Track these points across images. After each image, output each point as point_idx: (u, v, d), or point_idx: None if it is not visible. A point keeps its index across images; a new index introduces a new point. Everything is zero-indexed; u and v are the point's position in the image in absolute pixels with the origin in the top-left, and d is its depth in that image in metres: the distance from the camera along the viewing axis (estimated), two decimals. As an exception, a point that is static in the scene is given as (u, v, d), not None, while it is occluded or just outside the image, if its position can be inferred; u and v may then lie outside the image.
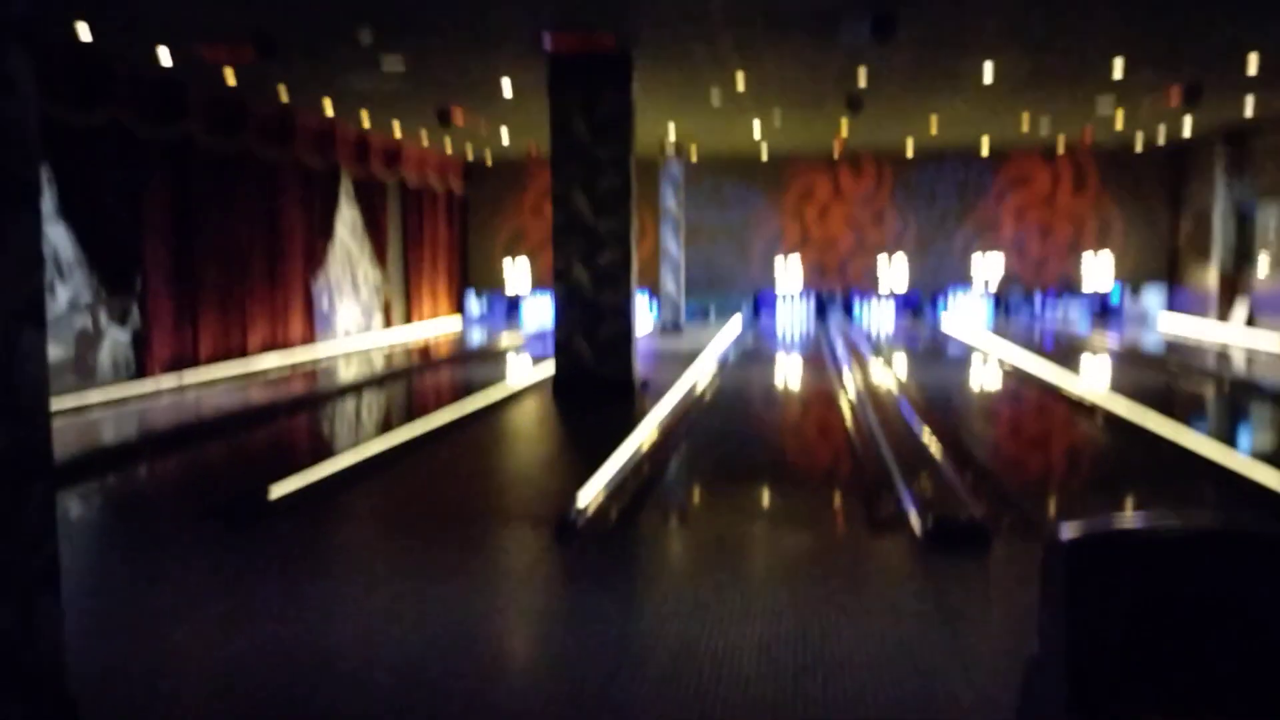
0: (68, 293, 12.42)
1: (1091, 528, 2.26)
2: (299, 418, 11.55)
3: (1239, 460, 7.82)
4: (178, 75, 12.64)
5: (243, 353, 15.26)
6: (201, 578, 5.63)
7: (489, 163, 23.54)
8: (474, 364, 16.47)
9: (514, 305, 25.54)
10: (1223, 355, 16.42)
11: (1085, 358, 16.17)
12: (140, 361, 13.32)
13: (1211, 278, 20.53)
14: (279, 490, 7.11)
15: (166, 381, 13.13)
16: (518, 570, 5.81)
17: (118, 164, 12.78)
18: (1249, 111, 17.13)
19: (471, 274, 24.60)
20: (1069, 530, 2.25)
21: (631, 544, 6.34)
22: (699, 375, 13.49)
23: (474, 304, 25.13)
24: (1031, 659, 2.46)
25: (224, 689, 4.17)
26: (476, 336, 21.45)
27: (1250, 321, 19.14)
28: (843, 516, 7.16)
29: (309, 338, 17.32)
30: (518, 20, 10.25)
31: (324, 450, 9.46)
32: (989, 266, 23.65)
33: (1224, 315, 19.96)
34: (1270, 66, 12.83)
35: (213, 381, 13.68)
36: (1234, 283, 20.03)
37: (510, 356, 17.67)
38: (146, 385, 12.81)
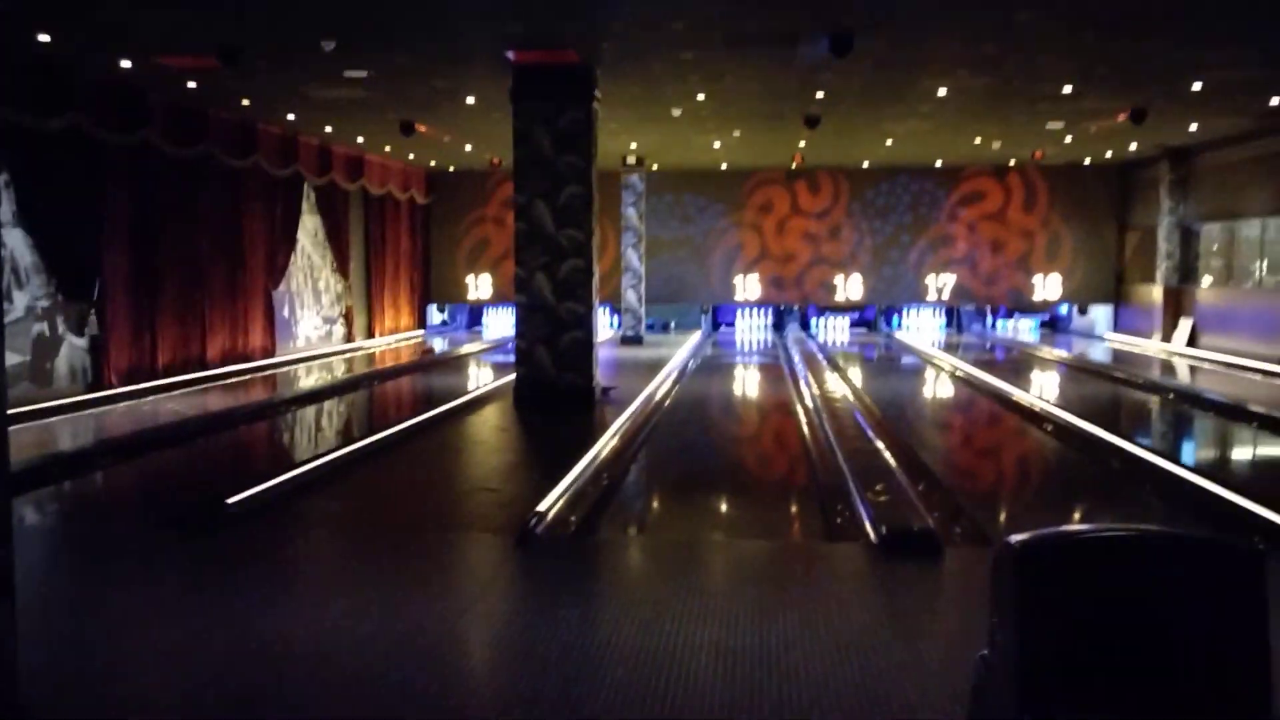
0: (25, 299, 12.30)
1: (1040, 533, 2.38)
2: (258, 426, 11.53)
3: (1179, 468, 8.09)
4: (139, 82, 12.59)
5: (202, 361, 15.17)
6: (156, 586, 5.64)
7: (452, 173, 23.56)
8: (435, 373, 16.48)
9: (476, 314, 25.55)
10: (1166, 369, 16.83)
11: (1034, 371, 16.52)
12: (98, 369, 13.21)
13: (1156, 295, 21.03)
14: (236, 498, 7.12)
15: (124, 389, 13.03)
16: (478, 577, 5.89)
17: (77, 170, 12.68)
18: (1192, 133, 17.62)
19: (434, 283, 24.58)
20: (1018, 536, 2.37)
21: (591, 551, 6.44)
22: (659, 385, 13.62)
23: (436, 313, 25.11)
24: (981, 661, 2.56)
25: (179, 698, 4.21)
26: (438, 345, 21.43)
27: (1193, 339, 19.62)
28: (799, 525, 7.31)
29: (269, 346, 17.24)
30: (482, 33, 10.35)
31: (282, 459, 9.47)
32: (942, 281, 24.03)
33: (1168, 333, 20.45)
34: (1212, 90, 13.24)
35: (171, 389, 13.59)
36: (1178, 301, 20.53)
37: (472, 365, 17.70)
38: (104, 393, 12.71)
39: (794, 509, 7.74)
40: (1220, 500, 7.09)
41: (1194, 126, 16.82)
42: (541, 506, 6.81)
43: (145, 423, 11.01)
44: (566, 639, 4.70)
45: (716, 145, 18.89)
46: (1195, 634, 2.14)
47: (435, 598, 5.36)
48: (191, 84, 12.72)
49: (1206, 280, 20.34)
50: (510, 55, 11.15)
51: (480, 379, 15.38)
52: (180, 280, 14.71)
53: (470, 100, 13.77)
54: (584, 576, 5.87)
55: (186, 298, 14.89)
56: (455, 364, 18.06)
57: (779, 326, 24.63)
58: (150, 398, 12.99)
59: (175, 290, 14.60)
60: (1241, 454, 10.39)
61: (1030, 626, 2.29)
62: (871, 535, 6.28)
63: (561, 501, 7.14)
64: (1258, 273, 19.14)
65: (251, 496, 7.26)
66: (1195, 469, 8.21)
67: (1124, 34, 10.27)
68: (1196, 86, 12.99)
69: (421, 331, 23.76)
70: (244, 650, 4.61)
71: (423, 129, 15.94)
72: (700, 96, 13.57)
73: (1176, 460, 8.68)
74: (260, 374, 15.79)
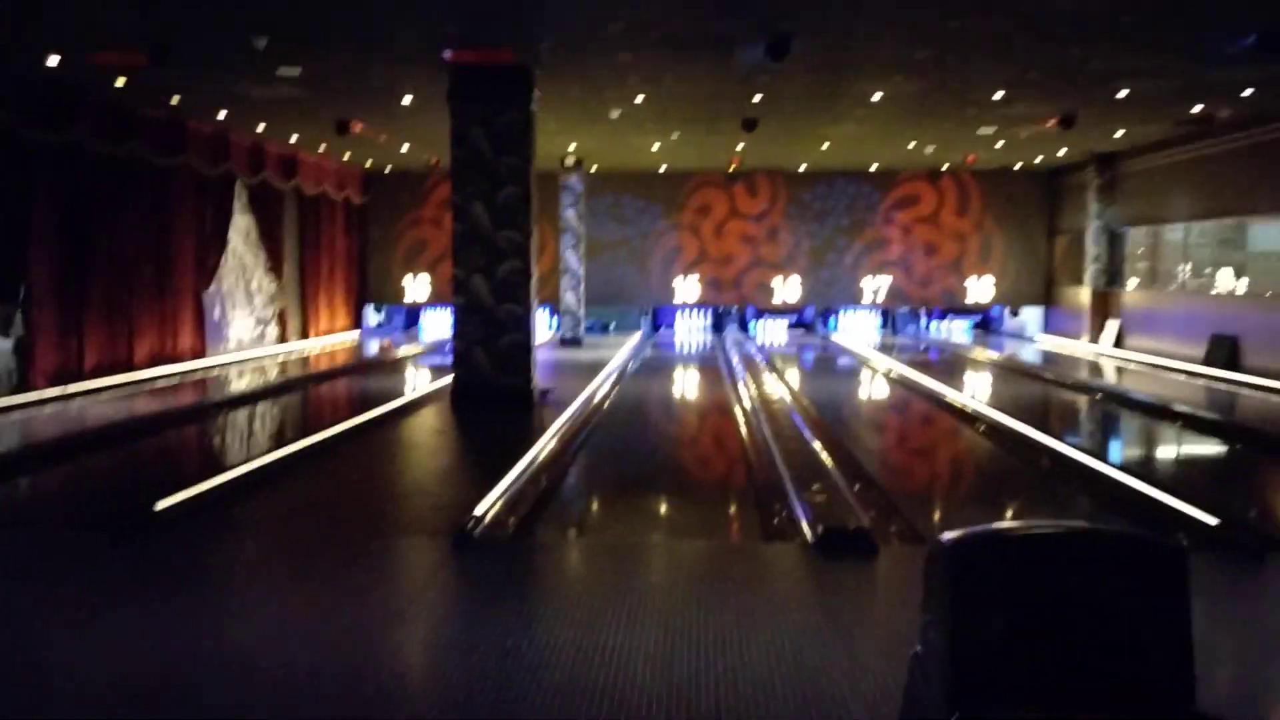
0: (-58, 300, 11.93)
1: (970, 531, 2.41)
2: (188, 429, 11.30)
3: (1106, 466, 8.28)
4: (67, 79, 12.27)
5: (130, 363, 14.83)
6: (83, 593, 5.50)
7: (389, 173, 23.32)
8: (372, 375, 16.29)
9: (413, 316, 25.31)
10: (1092, 370, 17.24)
11: (966, 372, 16.81)
12: (23, 371, 12.84)
13: (1084, 298, 21.52)
14: (165, 503, 6.98)
15: (50, 392, 12.69)
16: (414, 581, 5.84)
17: (2, 169, 12.33)
18: (1118, 139, 18.08)
19: (370, 285, 24.30)
20: (949, 534, 2.40)
21: (529, 554, 6.41)
22: (598, 387, 13.62)
23: (372, 315, 24.82)
24: (915, 658, 2.59)
25: (106, 706, 4.11)
26: (375, 347, 21.19)
27: (1120, 340, 20.12)
28: (737, 525, 7.35)
29: (200, 348, 16.90)
30: (418, 33, 10.26)
31: (214, 462, 9.29)
32: (877, 283, 24.34)
33: (1096, 334, 20.94)
34: (1136, 97, 13.59)
35: (99, 392, 13.27)
36: (1105, 303, 21.03)
37: (409, 367, 17.53)
38: (29, 396, 12.36)
39: (732, 509, 7.78)
40: (1142, 496, 7.28)
41: (1120, 133, 17.25)
42: (479, 509, 6.77)
43: (72, 426, 10.73)
44: (504, 642, 4.67)
45: (655, 147, 18.94)
46: (1121, 627, 2.19)
47: (369, 602, 5.30)
48: (120, 82, 12.43)
49: (1132, 283, 20.87)
50: (447, 55, 11.07)
51: (417, 381, 15.24)
52: (108, 281, 14.37)
53: (407, 100, 13.65)
54: (522, 579, 5.84)
55: (114, 299, 14.55)
56: (392, 366, 17.87)
57: (718, 328, 24.76)
58: (78, 400, 12.66)
59: (103, 291, 14.26)
60: (1162, 452, 10.67)
61: (961, 623, 2.33)
62: (808, 535, 6.34)
63: (499, 504, 7.10)
64: (1180, 276, 19.69)
65: (182, 501, 7.12)
66: (1118, 466, 8.42)
67: (1053, 41, 10.50)
68: (1122, 94, 13.32)
69: (357, 333, 23.47)
70: (169, 656, 4.51)
71: (358, 128, 15.76)
72: (639, 99, 13.60)
73: (1101, 458, 8.89)
74: (190, 376, 15.48)
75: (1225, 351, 16.23)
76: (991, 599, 2.32)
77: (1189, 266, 19.57)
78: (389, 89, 12.99)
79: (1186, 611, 2.12)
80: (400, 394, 13.24)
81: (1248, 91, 13.08)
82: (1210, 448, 10.52)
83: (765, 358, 18.08)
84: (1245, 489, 8.67)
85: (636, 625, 4.88)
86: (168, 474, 8.61)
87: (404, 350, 20.14)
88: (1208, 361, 16.27)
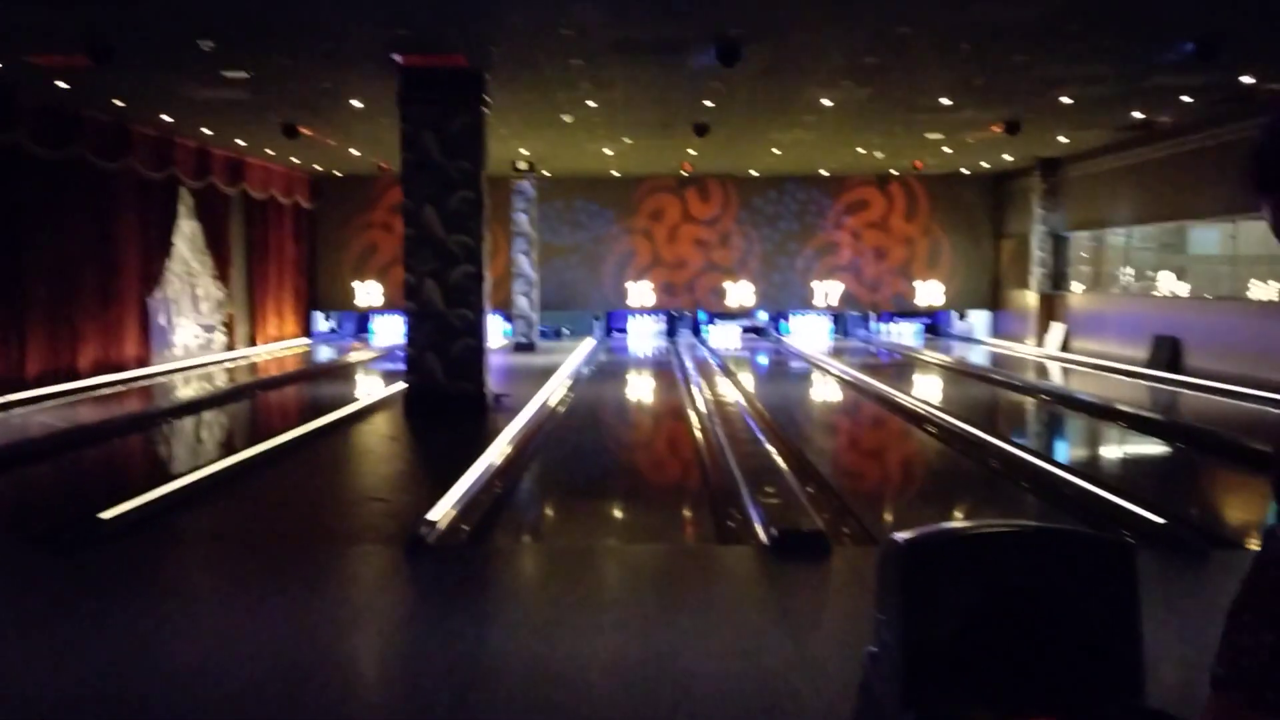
0: (-125, 307, 11.61)
1: (923, 531, 2.43)
2: (134, 438, 11.09)
3: (1052, 466, 8.41)
4: (5, 81, 12.00)
5: (73, 371, 14.53)
6: (26, 606, 5.37)
7: (338, 177, 23.10)
8: (322, 382, 16.11)
9: (364, 322, 25.07)
10: (1039, 372, 17.51)
11: (916, 374, 17.00)
12: (-43, 380, 12.54)
13: (1030, 301, 21.87)
14: (110, 513, 6.84)
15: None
16: (367, 589, 5.78)
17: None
18: (1062, 145, 18.40)
19: (320, 290, 24.03)
20: (903, 534, 2.41)
21: (484, 560, 6.37)
22: (552, 392, 13.58)
23: (323, 321, 24.56)
24: (869, 657, 2.61)
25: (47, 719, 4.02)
26: (325, 354, 20.96)
27: (1066, 343, 20.46)
28: (692, 528, 7.37)
29: (144, 356, 16.61)
30: (367, 36, 10.18)
31: (161, 471, 9.13)
32: (829, 287, 24.55)
33: (1042, 337, 21.28)
34: (1079, 103, 13.84)
35: (41, 400, 12.98)
36: (1050, 306, 21.39)
37: (360, 374, 17.36)
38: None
39: (687, 513, 7.79)
40: (1088, 495, 7.40)
41: (1063, 138, 17.55)
42: (432, 516, 6.71)
43: (14, 435, 10.49)
44: (459, 650, 4.63)
45: (608, 152, 18.95)
46: (1072, 625, 2.22)
47: (321, 611, 5.23)
48: (62, 84, 12.19)
49: (1077, 286, 21.23)
50: (397, 58, 11.00)
51: (369, 387, 15.10)
52: (50, 287, 14.07)
53: (356, 103, 13.53)
54: (476, 586, 5.80)
55: (57, 306, 14.25)
56: (342, 372, 17.69)
57: (671, 332, 24.83)
58: (20, 409, 12.38)
59: (45, 298, 13.96)
60: (1106, 451, 10.86)
61: (915, 622, 2.34)
62: (762, 537, 6.37)
63: (453, 510, 7.05)
64: (1123, 279, 20.07)
65: (128, 511, 6.98)
66: (1064, 466, 8.56)
67: (997, 47, 10.66)
68: (1065, 100, 13.56)
69: (307, 340, 23.21)
70: (114, 669, 4.42)
71: (307, 132, 15.59)
72: (591, 103, 13.60)
73: (1047, 458, 9.03)
74: (135, 384, 15.20)
75: (1167, 353, 16.57)
76: (945, 598, 2.34)
77: (1131, 270, 19.96)
78: (338, 92, 12.87)
79: (1136, 609, 2.16)
80: (351, 400, 13.11)
81: (1186, 98, 13.38)
82: (1153, 447, 10.73)
83: (718, 361, 18.15)
84: (1187, 488, 8.85)
85: (592, 631, 4.87)
86: (114, 483, 8.45)
87: (355, 356, 19.95)
88: (1151, 363, 16.59)
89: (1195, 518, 7.01)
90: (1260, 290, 17.33)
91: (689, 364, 17.34)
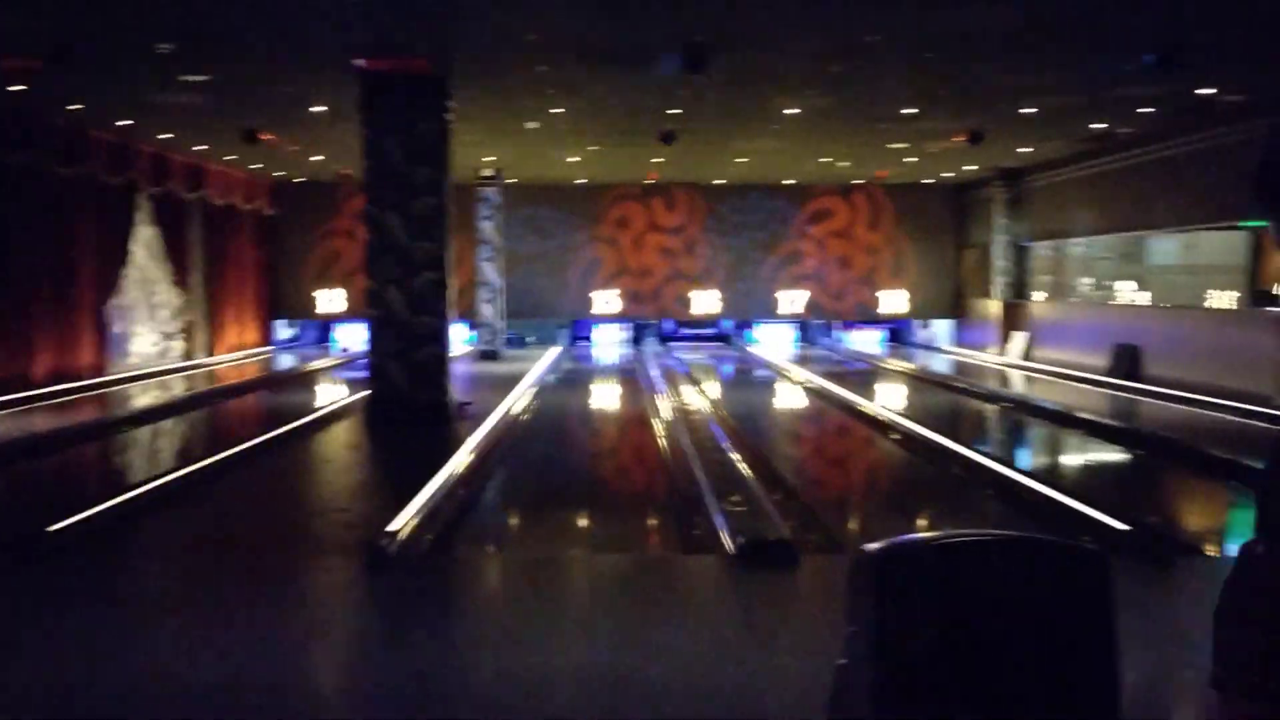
0: None
1: (894, 542, 2.38)
2: (88, 448, 10.86)
3: (1015, 473, 8.44)
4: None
5: (27, 380, 14.23)
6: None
7: (300, 184, 22.86)
8: (283, 390, 15.90)
9: (326, 330, 24.82)
10: (1001, 380, 17.64)
11: (880, 382, 17.06)
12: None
13: (993, 310, 22.05)
14: (60, 525, 6.66)
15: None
16: (328, 601, 5.67)
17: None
18: (1023, 155, 18.58)
19: (282, 298, 23.75)
20: (874, 545, 2.37)
21: (446, 571, 6.28)
22: (517, 400, 13.48)
23: (284, 329, 24.28)
24: (839, 670, 2.56)
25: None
26: (286, 362, 20.71)
27: (1028, 351, 20.63)
28: (657, 538, 7.31)
29: (100, 364, 16.31)
30: (329, 40, 10.06)
31: (114, 483, 8.94)
32: (793, 296, 24.62)
33: (1004, 345, 21.45)
34: (1040, 114, 13.97)
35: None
36: (1012, 315, 21.57)
37: (322, 382, 17.16)
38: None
39: (652, 522, 7.73)
40: (1051, 502, 7.41)
41: (1025, 149, 17.72)
42: (394, 526, 6.60)
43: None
44: (420, 663, 4.54)
45: (574, 160, 18.89)
46: (1046, 636, 2.18)
47: (280, 625, 5.12)
48: (16, 87, 11.95)
49: (1039, 295, 21.43)
50: (360, 63, 10.88)
51: (330, 396, 14.92)
52: (3, 294, 13.78)
53: (318, 109, 13.38)
54: (439, 598, 5.71)
55: (10, 313, 13.95)
56: (304, 380, 17.48)
57: (637, 340, 24.78)
58: (-33, 420, 12.10)
59: (-4, 305, 13.69)
60: (1069, 458, 10.93)
61: (886, 634, 2.29)
62: (729, 546, 6.32)
63: (415, 520, 6.94)
64: (1083, 288, 20.29)
65: (78, 523, 6.81)
66: (1027, 473, 8.59)
67: (960, 58, 10.73)
68: (1026, 110, 13.68)
69: (269, 348, 22.93)
70: (64, 688, 4.29)
71: (268, 137, 15.40)
72: (556, 110, 13.54)
73: (1011, 465, 9.07)
74: (91, 393, 14.91)
75: (1127, 361, 16.74)
76: (917, 609, 2.29)
77: (1092, 279, 20.18)
78: (300, 97, 12.72)
79: (1111, 619, 2.12)
80: (313, 409, 12.93)
81: (1145, 109, 13.54)
82: (1115, 454, 10.81)
83: (684, 369, 18.12)
84: (1149, 495, 8.91)
85: (557, 642, 4.79)
86: (65, 495, 8.26)
87: (317, 364, 19.72)
88: (1111, 371, 16.76)
89: (1156, 524, 7.04)
90: (1217, 299, 17.58)
91: (654, 372, 17.30)
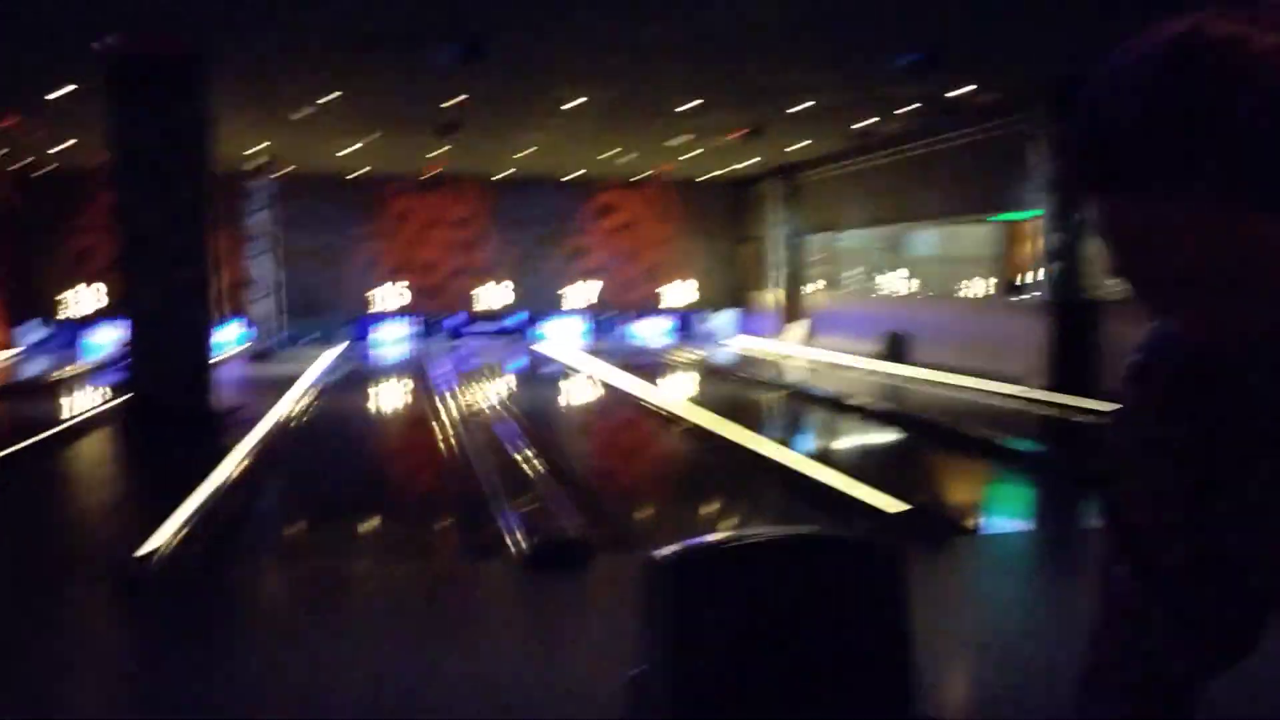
0: None
1: (688, 545, 2.29)
2: None
3: (795, 458, 8.66)
4: None
5: None
6: None
7: (49, 174, 20.95)
8: (29, 399, 14.51)
9: (80, 331, 22.90)
10: (781, 368, 18.25)
11: (667, 374, 17.29)
12: None
13: (772, 300, 22.81)
14: None
15: None
16: (76, 629, 5.12)
17: None
18: (798, 151, 19.27)
19: (29, 297, 21.71)
20: (669, 547, 2.28)
21: (213, 592, 5.82)
22: (291, 403, 12.81)
23: (33, 331, 22.22)
24: (634, 678, 2.46)
25: None
26: (34, 367, 18.95)
27: (806, 339, 21.46)
28: (444, 544, 7.05)
29: None
30: (74, 17, 9.19)
31: None
32: (581, 289, 24.66)
33: (785, 334, 22.24)
34: (812, 112, 14.49)
35: None
36: (791, 305, 22.39)
37: (73, 388, 15.79)
38: None
39: (439, 527, 7.46)
40: (826, 486, 7.60)
41: (799, 145, 18.37)
42: (153, 544, 6.06)
43: None
44: (185, 691, 4.15)
45: (351, 150, 18.17)
46: (842, 632, 2.14)
47: (21, 657, 4.57)
48: None
49: (816, 286, 22.33)
50: (105, 42, 10.00)
51: (83, 403, 13.73)
52: None
53: (65, 91, 12.25)
54: (205, 619, 5.27)
55: None
56: (53, 387, 16.03)
57: (424, 336, 24.17)
58: None
59: None
60: (843, 442, 11.37)
61: (685, 640, 2.20)
62: (519, 548, 6.15)
63: (178, 537, 6.41)
64: (855, 279, 21.30)
65: None
66: (806, 457, 8.83)
67: (736, 54, 10.94)
68: (800, 107, 14.14)
69: (15, 351, 20.95)
70: None
71: (8, 124, 14.02)
72: (329, 97, 12.94)
73: (790, 450, 9.31)
74: None
75: (896, 346, 17.65)
76: (714, 613, 2.20)
77: (863, 270, 21.21)
78: (42, 79, 11.60)
79: (904, 611, 2.10)
80: (62, 419, 11.85)
81: (908, 107, 14.26)
82: (886, 436, 11.31)
83: (471, 366, 17.78)
84: (918, 476, 9.35)
85: (336, 660, 4.49)
86: None
87: (70, 369, 18.15)
88: (882, 356, 17.62)
89: (929, 505, 7.36)
90: (971, 289, 18.86)
91: (440, 369, 16.88)
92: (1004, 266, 18.00)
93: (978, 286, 18.80)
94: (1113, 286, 10.71)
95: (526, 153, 18.84)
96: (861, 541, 2.24)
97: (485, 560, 6.31)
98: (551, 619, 5.12)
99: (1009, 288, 17.65)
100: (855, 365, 17.34)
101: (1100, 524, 1.15)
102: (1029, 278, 16.56)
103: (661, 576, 2.19)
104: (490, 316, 24.69)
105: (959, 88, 12.80)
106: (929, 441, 10.62)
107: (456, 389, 14.22)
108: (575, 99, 13.33)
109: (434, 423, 11.87)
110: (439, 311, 24.27)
